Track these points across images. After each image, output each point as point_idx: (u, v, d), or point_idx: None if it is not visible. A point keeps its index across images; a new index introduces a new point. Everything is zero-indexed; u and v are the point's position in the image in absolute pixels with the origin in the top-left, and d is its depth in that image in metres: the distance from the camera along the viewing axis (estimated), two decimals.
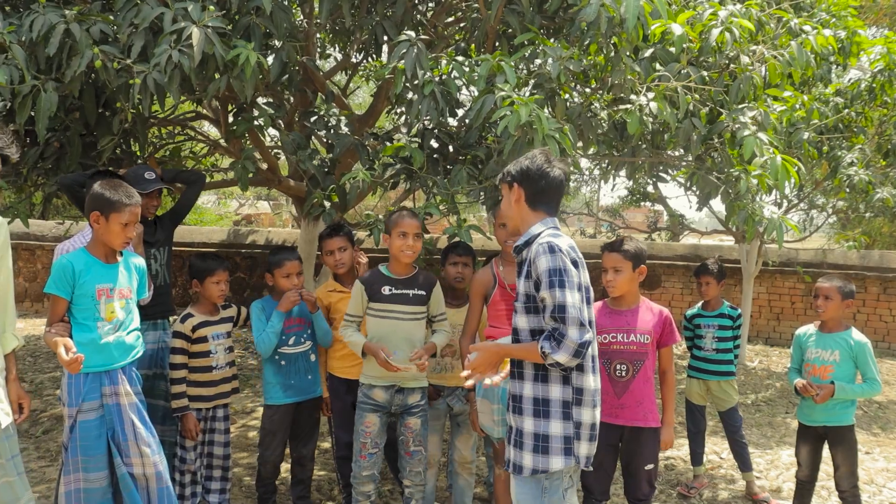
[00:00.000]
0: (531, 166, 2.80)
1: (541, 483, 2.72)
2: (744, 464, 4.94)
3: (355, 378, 3.96)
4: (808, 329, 4.22)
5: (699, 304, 5.08)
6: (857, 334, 4.06)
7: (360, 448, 3.82)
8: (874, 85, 6.10)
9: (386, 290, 3.79)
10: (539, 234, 2.76)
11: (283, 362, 4.05)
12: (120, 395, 3.30)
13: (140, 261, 3.59)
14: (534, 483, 2.73)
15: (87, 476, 3.26)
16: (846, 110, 6.43)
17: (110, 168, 4.58)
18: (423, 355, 3.69)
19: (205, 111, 6.31)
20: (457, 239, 4.24)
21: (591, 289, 2.81)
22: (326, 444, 5.65)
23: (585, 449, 2.74)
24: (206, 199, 20.21)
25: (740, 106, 4.18)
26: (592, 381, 2.76)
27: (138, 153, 5.22)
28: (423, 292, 3.84)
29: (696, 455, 5.07)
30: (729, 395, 4.92)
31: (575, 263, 2.68)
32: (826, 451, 4.18)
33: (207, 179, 6.94)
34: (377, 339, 3.77)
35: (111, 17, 3.78)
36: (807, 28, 4.52)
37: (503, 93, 3.69)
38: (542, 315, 2.68)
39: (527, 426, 2.74)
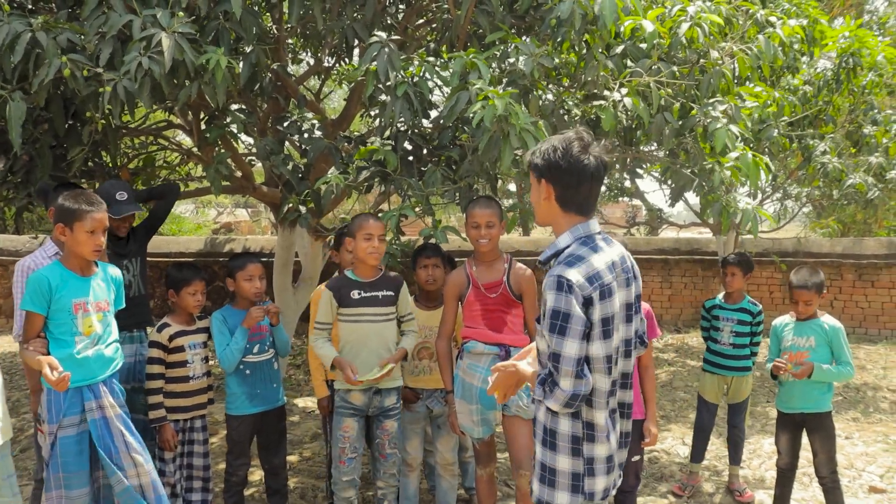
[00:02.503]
0: (563, 158, 2.39)
1: None
2: (735, 457, 4.95)
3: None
4: (784, 319, 4.27)
5: (720, 294, 4.99)
6: (830, 319, 4.11)
7: (339, 453, 3.83)
8: (840, 74, 6.18)
9: (355, 294, 3.81)
10: (564, 250, 2.43)
11: (247, 371, 4.01)
12: (105, 407, 3.28)
13: (116, 271, 3.56)
14: None
15: (69, 493, 3.23)
16: (815, 100, 6.50)
17: (73, 181, 4.53)
18: (392, 362, 3.75)
19: (177, 120, 6.26)
20: (426, 241, 4.23)
21: (634, 303, 2.52)
22: (308, 453, 5.63)
23: (602, 483, 2.46)
24: (183, 209, 20.06)
25: (711, 100, 4.21)
26: (603, 415, 2.45)
27: (110, 164, 5.17)
28: (392, 293, 3.88)
29: (698, 452, 4.99)
30: (744, 390, 4.88)
31: (588, 301, 2.31)
32: (806, 438, 4.22)
33: (182, 189, 6.90)
34: (350, 343, 3.80)
35: (78, 26, 3.74)
36: (773, 19, 4.57)
37: (477, 86, 3.68)
38: None
39: (538, 453, 2.53)
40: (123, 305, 3.61)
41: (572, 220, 2.46)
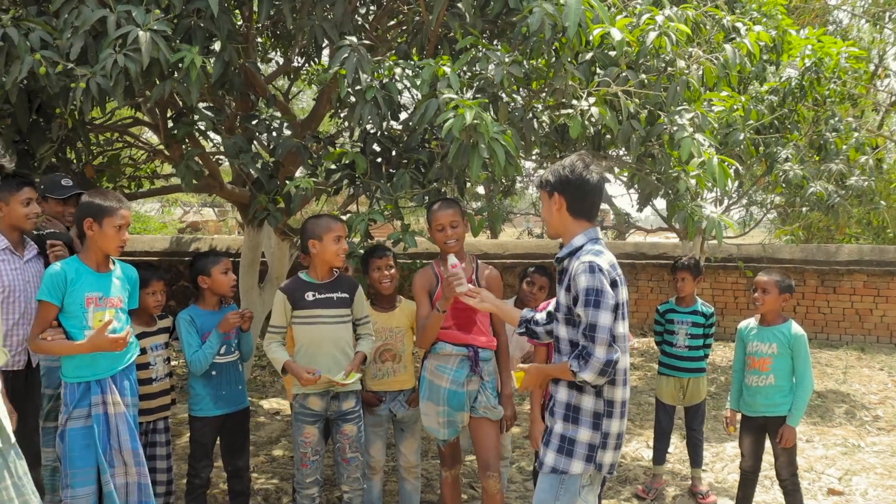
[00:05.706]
0: (571, 174, 2.82)
1: (558, 481, 2.80)
2: (696, 459, 5.01)
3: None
4: (749, 323, 4.32)
5: (672, 298, 5.06)
6: (795, 327, 4.15)
7: (301, 457, 3.81)
8: (804, 82, 6.29)
9: (310, 295, 3.75)
10: (581, 248, 2.81)
11: (213, 372, 3.96)
12: (108, 403, 3.33)
13: (132, 271, 3.63)
14: (552, 479, 2.82)
15: (75, 492, 3.27)
16: (780, 108, 6.60)
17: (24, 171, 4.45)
18: (354, 370, 3.71)
19: (144, 117, 6.18)
20: (394, 243, 4.22)
21: (627, 303, 2.86)
22: (277, 452, 5.59)
23: (610, 457, 2.81)
24: (149, 207, 19.80)
25: (678, 108, 4.26)
26: (621, 393, 2.81)
27: (75, 161, 5.09)
28: (347, 295, 3.83)
29: (660, 455, 5.07)
30: (700, 392, 4.97)
31: (614, 283, 2.73)
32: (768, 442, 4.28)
33: (147, 187, 6.82)
34: (305, 345, 3.75)
35: (48, 25, 3.67)
36: (739, 26, 4.63)
37: (446, 96, 3.68)
38: (578, 329, 2.75)
39: (556, 428, 2.83)
40: (136, 306, 3.67)
41: (583, 225, 2.87)
